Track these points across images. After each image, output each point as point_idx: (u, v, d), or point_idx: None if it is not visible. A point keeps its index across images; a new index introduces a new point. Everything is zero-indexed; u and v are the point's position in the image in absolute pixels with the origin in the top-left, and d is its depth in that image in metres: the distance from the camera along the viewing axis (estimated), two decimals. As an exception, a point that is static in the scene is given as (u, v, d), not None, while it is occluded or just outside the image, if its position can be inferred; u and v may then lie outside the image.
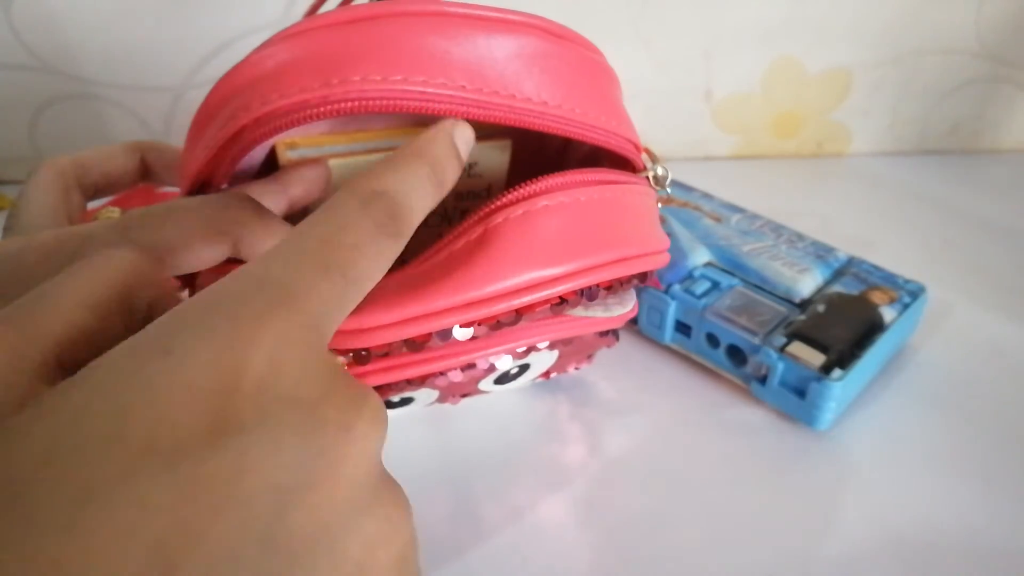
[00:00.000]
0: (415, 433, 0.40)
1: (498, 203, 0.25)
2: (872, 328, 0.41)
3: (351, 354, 0.26)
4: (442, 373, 0.30)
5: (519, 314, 0.26)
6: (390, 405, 0.33)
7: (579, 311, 0.30)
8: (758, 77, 0.62)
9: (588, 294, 0.27)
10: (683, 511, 0.36)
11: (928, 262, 0.49)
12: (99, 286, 0.17)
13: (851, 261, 0.46)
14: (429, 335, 0.25)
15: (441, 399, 0.35)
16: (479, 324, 0.25)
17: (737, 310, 0.42)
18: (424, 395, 0.33)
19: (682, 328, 0.43)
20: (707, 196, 0.51)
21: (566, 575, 0.34)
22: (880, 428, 0.40)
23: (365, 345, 0.25)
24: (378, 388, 0.30)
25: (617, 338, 0.38)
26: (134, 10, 0.54)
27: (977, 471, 0.38)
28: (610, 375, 0.44)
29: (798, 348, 0.39)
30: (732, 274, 0.44)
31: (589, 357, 0.40)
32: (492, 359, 0.31)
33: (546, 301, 0.26)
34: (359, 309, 0.24)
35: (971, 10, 0.60)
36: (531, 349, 0.32)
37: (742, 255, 0.45)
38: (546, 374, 0.39)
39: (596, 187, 0.27)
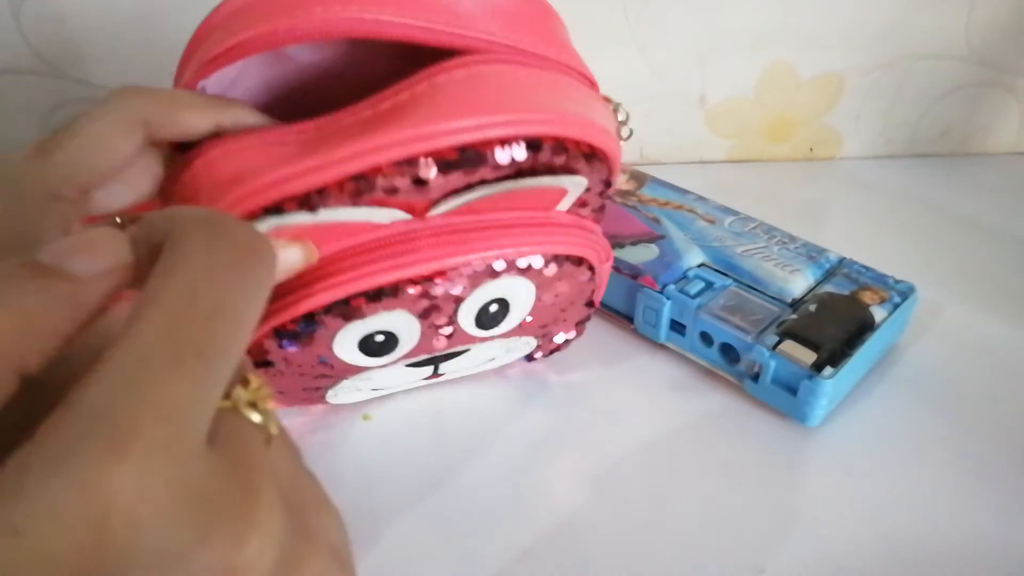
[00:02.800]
0: (411, 439, 0.41)
1: (441, 66, 0.28)
2: (863, 327, 0.42)
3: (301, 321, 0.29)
4: (413, 282, 0.31)
5: (464, 152, 0.28)
6: (372, 348, 0.33)
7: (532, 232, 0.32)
8: (751, 82, 0.63)
9: (532, 146, 0.29)
10: (676, 506, 0.37)
11: (918, 263, 0.50)
12: None
13: (842, 262, 0.47)
14: (379, 168, 0.27)
15: (425, 342, 0.34)
16: (426, 157, 0.28)
17: (730, 309, 0.42)
18: (404, 326, 0.33)
19: (676, 327, 0.44)
20: (701, 199, 0.52)
21: (560, 569, 0.35)
22: (870, 425, 0.41)
23: (317, 183, 0.27)
24: (352, 308, 0.31)
25: (592, 306, 0.39)
26: (143, 14, 0.55)
27: (966, 468, 0.39)
28: (606, 373, 0.44)
29: (790, 346, 0.40)
30: (725, 275, 0.45)
31: (578, 325, 0.41)
32: (460, 279, 0.32)
33: (488, 143, 0.28)
34: (307, 153, 0.27)
35: (961, 16, 0.61)
36: (500, 273, 0.33)
37: (735, 256, 0.46)
38: (541, 348, 0.40)
39: (538, 66, 0.30)
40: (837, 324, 0.42)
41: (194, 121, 0.28)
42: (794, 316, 0.42)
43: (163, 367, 0.14)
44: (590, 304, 0.39)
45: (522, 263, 0.33)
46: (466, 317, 0.34)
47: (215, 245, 0.15)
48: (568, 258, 0.34)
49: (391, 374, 0.37)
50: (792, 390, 0.40)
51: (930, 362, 0.45)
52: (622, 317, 0.47)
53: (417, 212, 0.30)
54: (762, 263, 0.46)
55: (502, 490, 0.38)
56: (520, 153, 0.29)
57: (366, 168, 0.27)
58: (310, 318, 0.31)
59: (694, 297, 0.43)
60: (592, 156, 0.31)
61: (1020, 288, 0.52)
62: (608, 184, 0.34)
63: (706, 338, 0.43)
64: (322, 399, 0.39)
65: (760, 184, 0.63)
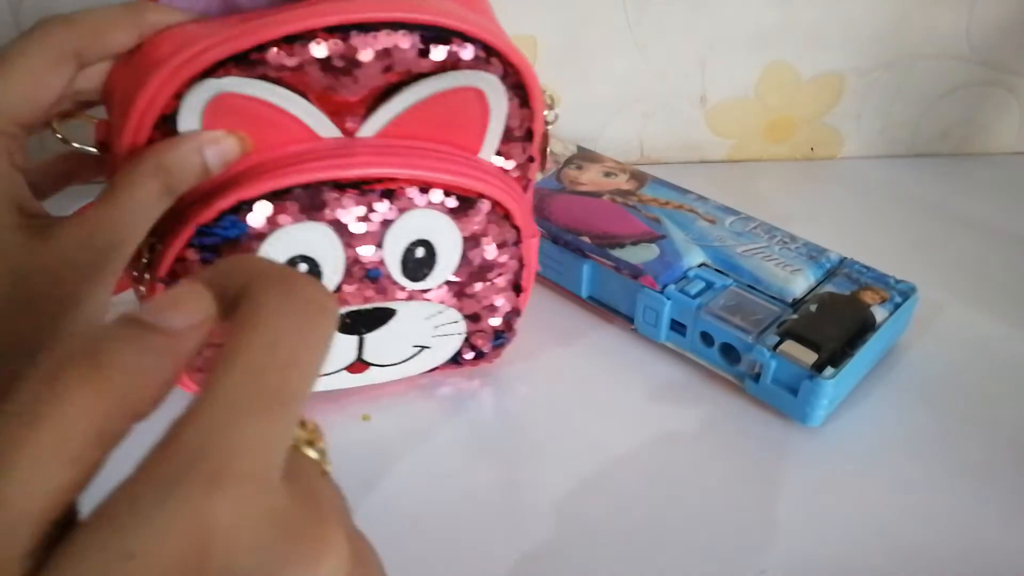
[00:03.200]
0: (413, 441, 0.41)
1: None
2: (864, 327, 0.42)
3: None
4: (343, 185, 0.33)
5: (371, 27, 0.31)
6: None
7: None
8: (752, 82, 0.63)
9: (433, 38, 0.32)
10: (677, 506, 0.37)
11: (919, 263, 0.50)
12: (77, 442, 0.15)
13: (843, 262, 0.46)
14: (313, 31, 0.30)
15: (348, 274, 0.35)
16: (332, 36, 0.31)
17: (731, 309, 0.42)
18: (328, 251, 0.34)
19: (677, 327, 0.44)
20: (702, 199, 0.52)
21: (561, 569, 0.35)
22: (871, 425, 0.41)
23: (245, 46, 0.30)
24: (281, 206, 0.32)
25: (520, 291, 0.40)
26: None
27: (966, 468, 0.39)
28: (606, 372, 0.44)
29: (791, 347, 0.40)
30: (726, 274, 0.45)
31: (507, 320, 0.41)
32: (387, 200, 0.34)
33: (390, 26, 0.31)
34: (234, 26, 0.30)
35: (962, 16, 0.61)
36: (426, 205, 0.35)
37: (736, 256, 0.46)
38: (470, 341, 0.40)
39: None
40: (838, 324, 0.41)
41: (120, 40, 0.31)
42: (795, 316, 0.42)
43: (250, 412, 0.16)
44: (518, 289, 0.40)
45: (450, 202, 0.35)
46: (392, 255, 0.35)
47: (290, 301, 0.17)
48: (493, 208, 0.36)
49: None
50: (793, 390, 0.40)
51: (931, 362, 0.45)
52: (622, 317, 0.47)
53: (348, 132, 0.33)
54: (763, 263, 0.46)
55: (502, 493, 0.38)
56: (420, 43, 0.32)
57: (296, 30, 0.30)
58: (235, 215, 0.32)
59: (695, 297, 0.43)
60: (496, 54, 0.34)
61: (1021, 288, 0.51)
62: (528, 110, 0.36)
63: (707, 338, 0.43)
64: None
65: (761, 184, 0.63)
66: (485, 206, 0.36)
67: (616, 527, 0.36)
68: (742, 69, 0.62)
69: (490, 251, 0.37)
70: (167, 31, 0.31)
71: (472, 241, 0.37)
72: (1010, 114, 0.66)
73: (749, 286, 0.44)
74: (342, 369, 0.39)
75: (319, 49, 0.31)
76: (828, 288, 0.44)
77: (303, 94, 0.32)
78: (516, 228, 0.37)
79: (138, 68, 0.31)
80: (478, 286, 0.38)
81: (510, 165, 0.37)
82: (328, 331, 0.18)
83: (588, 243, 0.47)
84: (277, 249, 0.34)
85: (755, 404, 0.42)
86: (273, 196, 0.32)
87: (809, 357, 0.39)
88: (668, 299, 0.43)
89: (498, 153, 0.36)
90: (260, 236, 0.33)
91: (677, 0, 0.58)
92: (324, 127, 0.33)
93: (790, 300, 0.43)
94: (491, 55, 0.33)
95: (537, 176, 0.40)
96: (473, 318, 0.40)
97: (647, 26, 0.59)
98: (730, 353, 0.42)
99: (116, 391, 0.16)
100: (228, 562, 0.15)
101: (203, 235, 0.33)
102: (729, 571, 0.34)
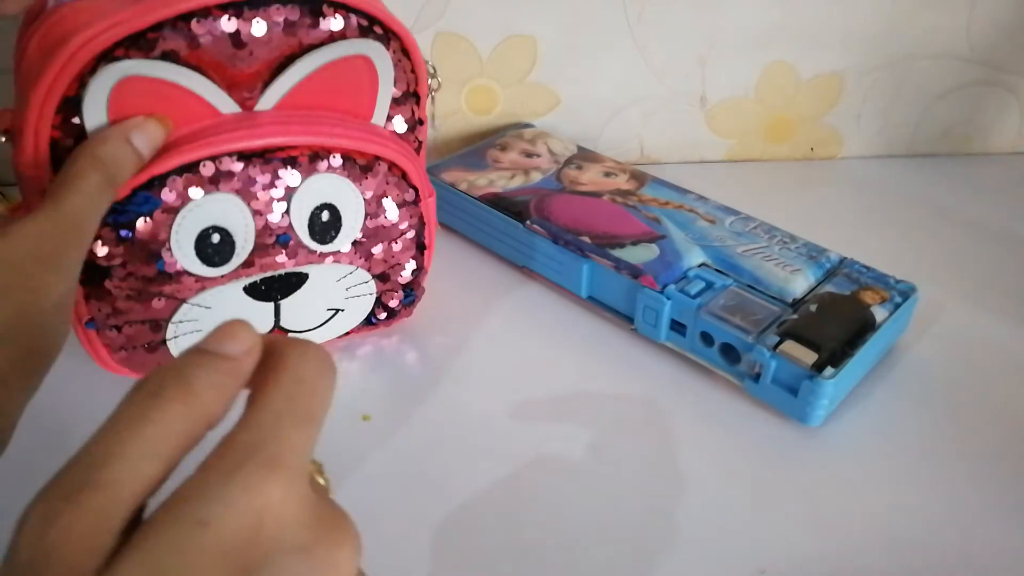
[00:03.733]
0: (417, 442, 0.41)
1: None
2: (863, 327, 0.42)
3: None
4: (249, 155, 0.35)
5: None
6: (208, 252, 0.36)
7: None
8: (752, 83, 0.63)
9: (313, 11, 0.34)
10: (676, 506, 0.37)
11: (919, 263, 0.50)
12: (170, 442, 0.20)
13: (843, 262, 0.47)
14: (207, 8, 0.32)
15: (262, 251, 0.37)
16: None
17: (731, 309, 0.42)
18: (239, 219, 0.36)
19: (677, 327, 0.44)
20: (702, 199, 0.52)
21: (561, 569, 0.35)
22: (871, 425, 0.41)
23: (140, 26, 0.31)
24: (191, 179, 0.34)
25: (424, 249, 0.42)
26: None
27: (966, 467, 0.39)
28: (606, 372, 0.44)
29: (791, 347, 0.40)
30: (726, 274, 0.45)
31: (416, 279, 0.43)
32: (289, 167, 0.36)
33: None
34: (134, 5, 0.32)
35: (962, 15, 0.61)
36: (327, 168, 0.37)
37: (736, 256, 0.46)
38: (382, 300, 0.42)
39: None
40: (838, 324, 0.42)
41: (9, 9, 0.34)
42: (795, 316, 0.42)
43: (291, 423, 0.20)
44: (422, 247, 0.42)
45: (350, 166, 0.37)
46: (299, 220, 0.37)
47: (306, 353, 0.22)
48: (391, 169, 0.39)
49: (229, 302, 0.38)
50: (793, 390, 0.40)
51: (931, 362, 0.45)
52: (622, 317, 0.47)
53: (247, 107, 0.35)
54: (763, 263, 0.46)
55: (501, 493, 0.38)
56: (309, 15, 0.34)
57: (191, 8, 0.32)
58: (148, 191, 0.34)
59: (695, 297, 0.43)
60: (378, 23, 0.36)
61: (1021, 287, 0.52)
62: (413, 76, 0.39)
63: (707, 338, 0.43)
64: (168, 355, 0.39)
65: (760, 184, 0.63)
66: (383, 167, 0.38)
67: (615, 526, 0.36)
68: (742, 69, 0.62)
69: (391, 210, 0.40)
70: (70, 6, 0.33)
71: (374, 202, 0.39)
72: (1010, 114, 0.66)
73: (749, 286, 0.44)
74: None
75: (214, 25, 0.33)
76: (828, 288, 0.44)
77: (202, 71, 0.34)
78: (414, 187, 0.40)
79: (42, 45, 0.32)
80: (383, 245, 0.41)
81: (402, 128, 0.40)
82: (334, 377, 0.22)
83: (588, 243, 0.47)
84: (190, 221, 0.35)
85: (755, 404, 0.42)
86: (183, 170, 0.34)
87: (809, 357, 0.39)
88: (668, 299, 0.43)
89: (389, 118, 0.39)
90: (173, 210, 0.35)
91: (677, 0, 0.59)
92: (224, 103, 0.35)
93: (790, 300, 0.43)
94: (374, 24, 0.36)
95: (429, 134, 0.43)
96: (382, 278, 0.42)
97: (647, 26, 0.60)
98: (730, 353, 0.42)
99: (201, 405, 0.20)
100: (277, 532, 0.19)
101: (117, 212, 0.34)
102: (728, 570, 0.34)
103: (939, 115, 0.66)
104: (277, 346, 0.22)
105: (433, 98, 0.41)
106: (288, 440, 0.20)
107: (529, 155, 0.57)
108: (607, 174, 0.55)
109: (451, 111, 0.61)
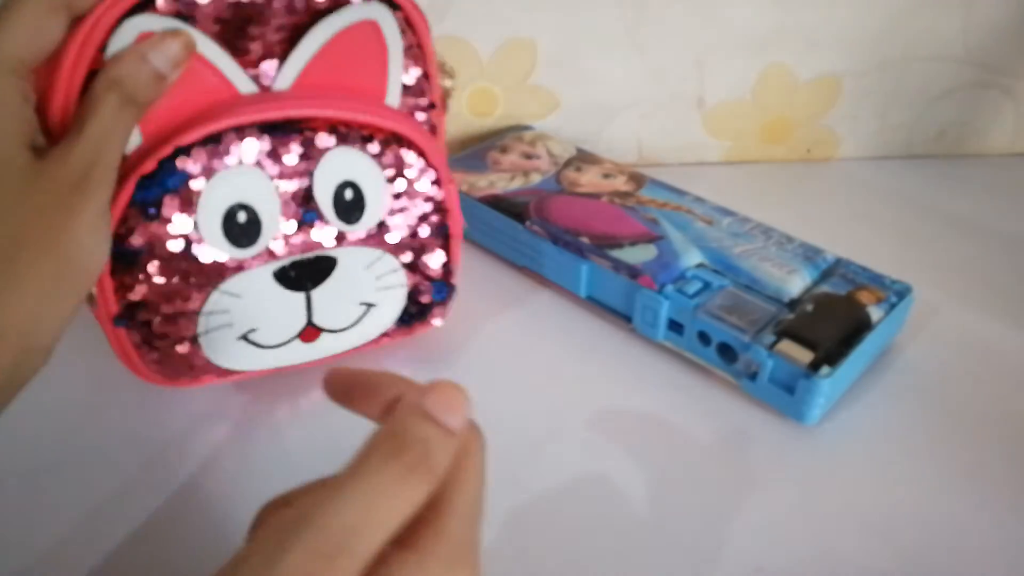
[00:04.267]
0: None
1: None
2: (859, 327, 0.42)
3: None
4: (270, 129, 0.35)
5: None
6: (236, 232, 0.36)
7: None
8: (749, 84, 0.63)
9: None
10: (673, 503, 0.38)
11: (914, 263, 0.51)
12: (407, 518, 0.23)
13: (839, 262, 0.47)
14: None
15: (285, 219, 0.37)
16: None
17: (728, 309, 0.43)
18: (265, 196, 0.36)
19: (675, 326, 0.44)
20: (699, 200, 0.52)
21: (560, 569, 0.35)
22: (866, 424, 0.42)
23: None
24: (214, 150, 0.34)
25: (448, 237, 0.41)
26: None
27: (962, 466, 0.40)
28: (604, 371, 0.45)
29: (787, 346, 0.40)
30: (723, 275, 0.45)
31: (446, 271, 0.42)
32: (312, 142, 0.36)
33: None
34: None
35: (958, 18, 0.62)
36: (345, 142, 0.37)
37: (733, 256, 0.47)
38: (413, 297, 0.42)
39: None
40: (834, 324, 0.42)
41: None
42: (791, 316, 0.42)
43: (477, 521, 0.25)
44: (447, 236, 0.41)
45: (370, 144, 0.37)
46: (323, 196, 0.37)
47: (482, 440, 0.27)
48: (409, 147, 0.38)
49: (261, 291, 0.38)
50: (789, 389, 0.40)
51: (926, 361, 0.46)
52: (621, 317, 0.47)
53: (263, 88, 0.36)
54: (759, 263, 0.46)
55: (499, 493, 0.38)
56: None
57: None
58: (173, 163, 0.34)
59: (692, 297, 0.44)
60: None
61: (1015, 287, 0.52)
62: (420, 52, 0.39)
63: (704, 338, 0.43)
64: (200, 354, 0.39)
65: (758, 185, 0.64)
66: (402, 145, 0.38)
67: (613, 525, 0.37)
68: (739, 71, 0.63)
69: (412, 190, 0.39)
70: None
71: (395, 181, 0.39)
72: (1005, 116, 0.67)
73: (746, 286, 0.45)
74: (295, 337, 0.39)
75: None
76: (824, 288, 0.45)
77: (219, 45, 0.34)
78: (434, 168, 0.39)
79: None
80: (408, 229, 0.40)
81: (418, 111, 0.40)
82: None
83: (587, 244, 0.47)
84: (216, 198, 0.35)
85: (752, 403, 0.43)
86: (208, 141, 0.34)
87: (805, 356, 0.40)
88: (666, 299, 0.44)
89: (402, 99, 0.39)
90: (198, 184, 0.35)
91: (675, 3, 0.59)
92: (243, 82, 0.35)
93: (787, 300, 0.44)
94: None
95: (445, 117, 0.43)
96: (411, 267, 0.41)
97: (645, 29, 0.60)
98: (727, 352, 0.42)
99: (435, 479, 0.23)
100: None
101: (144, 189, 0.34)
102: (725, 568, 0.35)
103: (935, 117, 0.66)
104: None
105: (449, 93, 0.41)
106: (477, 541, 0.24)
107: (529, 157, 0.57)
108: (606, 176, 0.55)
109: (452, 114, 0.61)
